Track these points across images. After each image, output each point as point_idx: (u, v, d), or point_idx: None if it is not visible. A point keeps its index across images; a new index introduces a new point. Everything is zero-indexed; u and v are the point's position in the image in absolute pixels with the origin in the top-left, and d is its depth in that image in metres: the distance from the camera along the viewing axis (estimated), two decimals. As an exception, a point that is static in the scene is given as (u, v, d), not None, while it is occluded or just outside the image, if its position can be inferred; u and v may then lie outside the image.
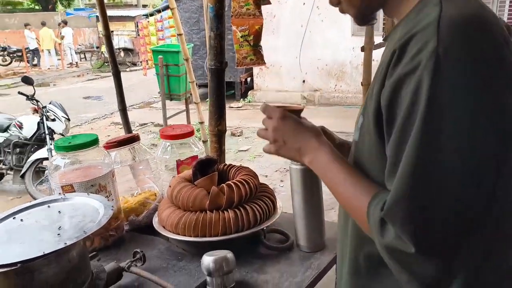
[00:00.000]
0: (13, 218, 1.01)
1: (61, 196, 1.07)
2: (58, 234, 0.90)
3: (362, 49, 3.52)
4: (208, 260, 1.10)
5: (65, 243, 0.84)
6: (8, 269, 0.81)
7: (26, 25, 17.02)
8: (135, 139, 1.57)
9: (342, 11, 0.85)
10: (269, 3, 1.96)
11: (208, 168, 1.41)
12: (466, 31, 0.66)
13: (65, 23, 18.04)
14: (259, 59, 1.96)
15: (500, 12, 7.91)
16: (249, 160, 5.88)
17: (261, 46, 1.95)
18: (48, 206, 1.04)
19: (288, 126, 0.90)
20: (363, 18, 0.85)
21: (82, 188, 1.26)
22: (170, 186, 1.38)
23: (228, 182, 1.33)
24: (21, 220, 0.98)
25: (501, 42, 0.68)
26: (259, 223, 1.30)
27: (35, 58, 17.29)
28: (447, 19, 0.66)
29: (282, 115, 0.91)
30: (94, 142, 1.34)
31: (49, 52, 16.98)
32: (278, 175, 5.32)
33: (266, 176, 5.26)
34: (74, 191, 1.26)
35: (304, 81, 9.15)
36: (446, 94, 0.63)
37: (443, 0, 0.70)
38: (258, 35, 1.90)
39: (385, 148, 0.72)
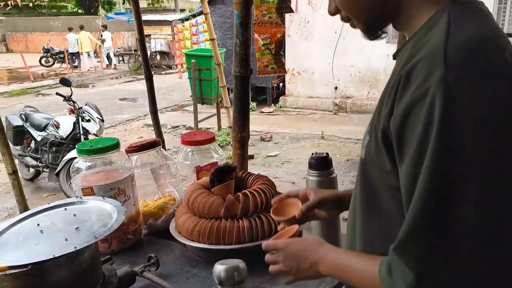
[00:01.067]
0: (31, 220, 1.04)
1: (78, 199, 1.10)
2: (70, 238, 0.92)
3: (394, 56, 3.45)
4: (219, 269, 1.10)
5: (75, 247, 0.85)
6: (19, 270, 0.83)
7: (70, 29, 17.78)
8: (156, 144, 1.59)
9: (353, 26, 0.83)
10: (292, 11, 1.94)
11: (227, 175, 1.41)
12: (476, 56, 0.63)
13: (105, 27, 18.63)
14: (280, 67, 1.95)
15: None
16: (277, 166, 5.86)
17: (282, 55, 1.94)
18: (65, 209, 1.06)
19: (294, 252, 0.90)
20: (372, 33, 0.83)
21: (102, 191, 1.29)
22: (187, 191, 1.39)
23: (244, 190, 1.33)
24: (38, 223, 1.01)
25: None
26: (273, 233, 1.29)
27: (76, 60, 17.94)
28: (455, 43, 0.64)
29: (285, 245, 0.91)
30: (115, 146, 1.37)
31: (88, 54, 17.59)
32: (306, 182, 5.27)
33: (294, 183, 5.22)
34: (94, 194, 1.29)
35: (336, 87, 9.05)
36: (460, 123, 0.61)
37: (452, 17, 0.68)
38: (279, 44, 1.89)
39: (397, 171, 0.71)
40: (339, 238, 1.30)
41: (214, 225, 1.26)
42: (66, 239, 0.90)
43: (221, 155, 1.67)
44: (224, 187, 1.34)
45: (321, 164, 1.24)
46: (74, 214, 1.02)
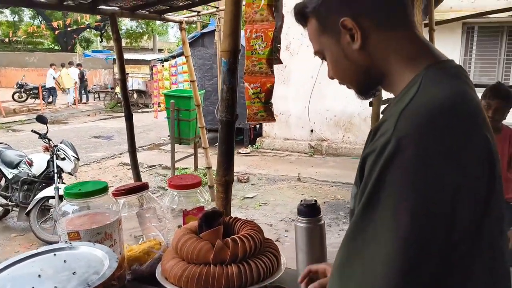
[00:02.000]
0: (18, 267, 1.01)
1: (68, 245, 1.08)
2: (62, 284, 0.90)
3: (370, 104, 3.59)
4: (209, 317, 1.09)
5: (68, 296, 0.84)
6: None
7: (51, 65, 17.99)
8: (144, 187, 1.59)
9: (349, 87, 0.92)
10: (281, 62, 2.03)
11: (214, 220, 1.41)
12: (424, 124, 0.70)
13: (70, 63, 18.83)
14: (269, 115, 2.01)
15: (506, 74, 8.07)
16: (254, 208, 5.84)
17: (271, 103, 2.00)
18: (54, 255, 1.05)
19: None
20: (364, 95, 0.93)
21: (88, 236, 1.27)
22: (175, 236, 1.38)
23: (233, 236, 1.33)
24: (26, 270, 0.98)
25: (461, 138, 0.71)
26: (262, 279, 1.29)
27: (51, 96, 17.82)
28: (410, 110, 0.72)
29: None
30: (103, 190, 1.36)
31: (68, 90, 17.68)
32: (283, 224, 5.26)
33: (271, 225, 5.21)
34: (80, 238, 1.27)
35: (312, 130, 9.23)
36: (389, 182, 0.69)
37: (423, 82, 0.76)
38: (269, 93, 1.96)
39: None
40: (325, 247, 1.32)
41: (203, 271, 1.26)
42: (59, 285, 0.88)
43: (208, 200, 1.68)
44: (213, 233, 1.34)
45: (311, 211, 1.27)
46: (64, 261, 1.00)
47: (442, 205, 0.68)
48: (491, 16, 6.98)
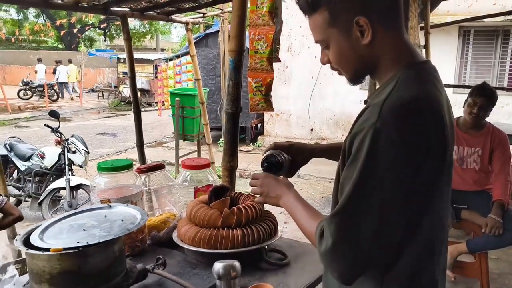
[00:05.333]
0: (67, 220, 1.27)
1: (106, 205, 1.34)
2: (106, 231, 1.16)
3: (365, 102, 3.84)
4: (218, 266, 1.34)
5: (114, 235, 1.10)
6: (71, 251, 1.06)
7: (57, 62, 19.45)
8: (161, 166, 1.85)
9: (340, 73, 1.14)
10: (279, 61, 2.33)
11: (222, 194, 1.67)
12: (401, 114, 0.94)
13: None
14: (269, 106, 2.31)
15: (501, 77, 8.32)
16: (255, 202, 6.08)
17: (271, 96, 2.31)
18: (96, 212, 1.30)
19: (270, 182, 1.29)
20: (355, 81, 1.14)
21: (118, 203, 1.52)
22: (189, 206, 1.64)
23: (238, 205, 1.60)
24: (75, 221, 1.24)
25: (430, 126, 0.95)
26: (262, 241, 1.55)
27: (56, 92, 18.52)
28: (389, 102, 0.95)
29: (265, 175, 1.33)
30: (129, 166, 1.63)
31: (70, 85, 18.94)
32: (283, 217, 5.49)
33: (271, 217, 5.45)
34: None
35: (312, 129, 9.49)
36: (378, 155, 0.93)
37: (399, 80, 1.00)
38: (269, 86, 2.27)
39: None
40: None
41: (213, 233, 1.52)
42: (104, 231, 1.14)
43: (215, 179, 1.94)
44: (221, 202, 1.60)
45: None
46: (105, 216, 1.26)
47: (398, 168, 0.94)
48: (486, 20, 7.23)
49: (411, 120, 0.94)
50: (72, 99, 18.98)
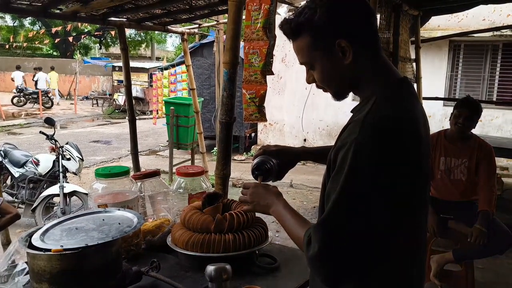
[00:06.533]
0: (66, 223, 1.33)
1: (103, 209, 1.40)
2: (104, 233, 1.22)
3: (352, 111, 3.93)
4: (210, 268, 1.40)
5: (112, 238, 1.16)
6: (71, 252, 1.13)
7: (36, 68, 19.58)
8: (156, 173, 1.91)
9: (325, 91, 1.22)
10: (272, 73, 2.43)
11: (215, 201, 1.74)
12: (379, 131, 1.02)
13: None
14: (262, 116, 2.41)
15: (490, 91, 8.49)
16: (248, 210, 6.13)
17: (264, 107, 2.40)
18: (94, 216, 1.36)
19: (260, 191, 1.35)
20: (339, 98, 1.22)
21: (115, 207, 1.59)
22: (183, 212, 1.71)
23: (230, 211, 1.66)
24: (74, 225, 1.30)
25: (406, 142, 1.03)
26: (253, 245, 1.61)
27: (50, 99, 18.43)
28: (369, 119, 1.03)
29: (255, 185, 1.38)
30: (126, 172, 1.69)
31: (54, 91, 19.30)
32: (275, 225, 5.56)
33: (263, 226, 5.50)
34: (108, 210, 1.59)
35: (305, 139, 9.59)
36: (359, 169, 1.01)
37: (378, 99, 1.08)
38: (262, 98, 2.37)
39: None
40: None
41: (206, 237, 1.58)
42: (102, 234, 1.20)
43: (209, 186, 2.00)
44: (214, 208, 1.67)
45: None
46: (103, 219, 1.32)
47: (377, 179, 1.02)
48: (476, 35, 7.41)
49: (389, 137, 1.02)
50: (57, 104, 19.05)
